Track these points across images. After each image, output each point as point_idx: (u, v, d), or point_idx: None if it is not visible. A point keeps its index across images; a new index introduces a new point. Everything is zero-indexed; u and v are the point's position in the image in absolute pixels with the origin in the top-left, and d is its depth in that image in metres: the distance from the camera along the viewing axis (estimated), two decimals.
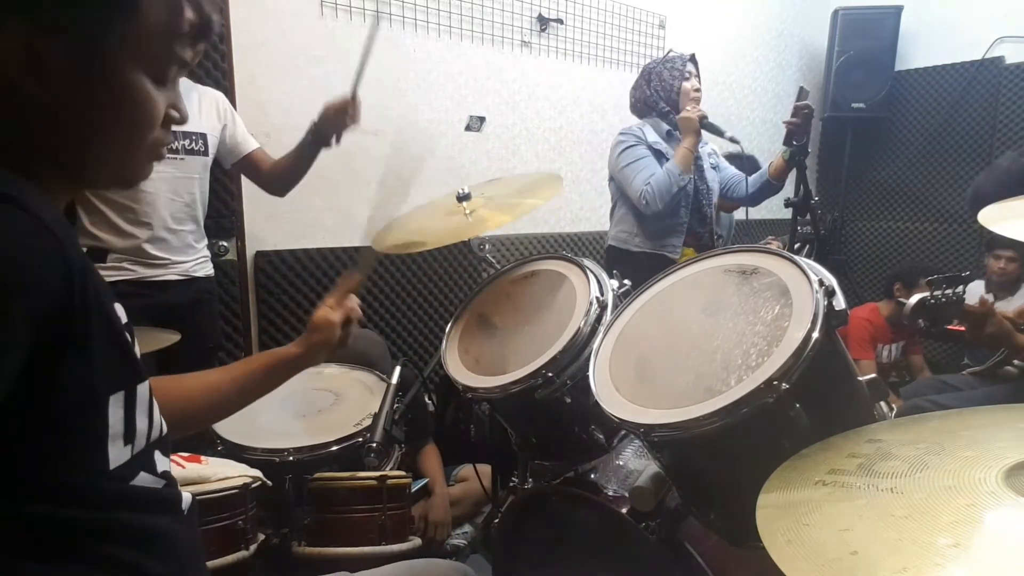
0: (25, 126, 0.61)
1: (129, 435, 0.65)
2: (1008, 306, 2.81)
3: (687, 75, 2.33)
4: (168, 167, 1.77)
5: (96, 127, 0.63)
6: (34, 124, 0.61)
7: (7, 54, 0.56)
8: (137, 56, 0.61)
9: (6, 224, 0.52)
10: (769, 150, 2.35)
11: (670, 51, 2.47)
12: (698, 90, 2.33)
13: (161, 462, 0.71)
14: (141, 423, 0.66)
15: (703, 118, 2.27)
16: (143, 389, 0.67)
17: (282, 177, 2.00)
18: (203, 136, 1.84)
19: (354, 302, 1.14)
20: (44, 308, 0.53)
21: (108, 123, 0.63)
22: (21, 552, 0.57)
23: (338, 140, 1.85)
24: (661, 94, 2.34)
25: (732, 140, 2.26)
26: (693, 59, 2.39)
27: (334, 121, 1.81)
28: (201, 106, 1.86)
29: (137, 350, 0.68)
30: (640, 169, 2.28)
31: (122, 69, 0.61)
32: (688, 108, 2.30)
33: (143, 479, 0.67)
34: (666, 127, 2.37)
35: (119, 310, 0.66)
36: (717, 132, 2.31)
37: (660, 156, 2.31)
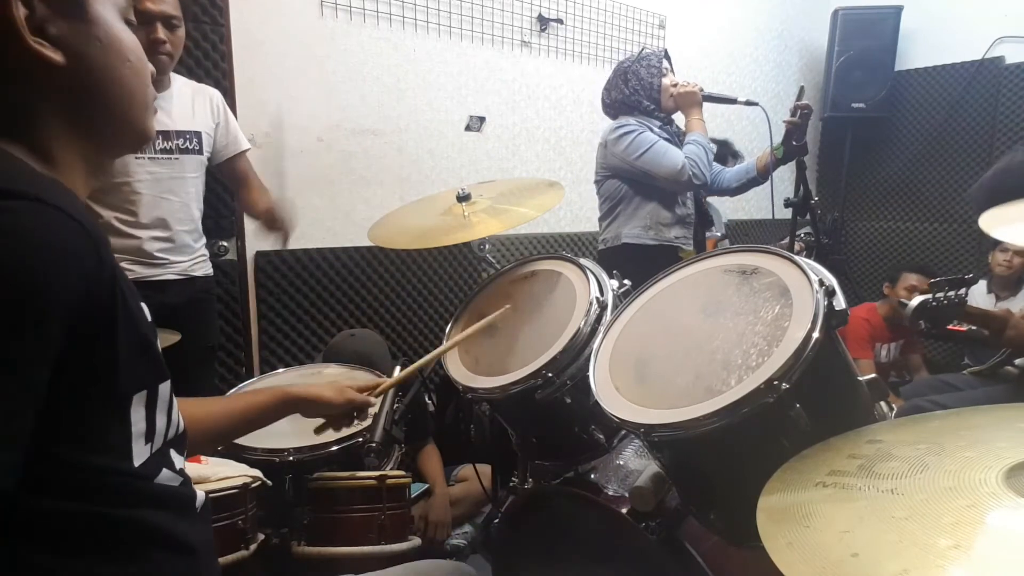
0: (42, 100, 0.62)
1: (150, 434, 0.65)
2: (1009, 306, 2.81)
3: (664, 71, 2.30)
4: (162, 167, 1.77)
5: (111, 75, 0.65)
6: (52, 94, 0.62)
7: (11, 25, 0.57)
8: None
9: (40, 220, 0.53)
10: (765, 148, 2.35)
11: (643, 48, 2.40)
12: (675, 85, 2.30)
13: (178, 460, 0.72)
14: (160, 422, 0.67)
15: (702, 90, 2.26)
16: (164, 388, 0.68)
17: (245, 211, 2.08)
18: (198, 135, 1.84)
19: (371, 402, 1.19)
20: (78, 307, 0.54)
21: (119, 70, 0.66)
22: (46, 547, 0.58)
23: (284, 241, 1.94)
24: (642, 92, 2.29)
25: (748, 103, 2.24)
26: (667, 55, 2.35)
27: (272, 224, 1.90)
28: (195, 104, 1.86)
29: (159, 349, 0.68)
30: (665, 149, 2.20)
31: (105, 12, 0.64)
32: (683, 83, 2.29)
33: (165, 476, 0.68)
34: (657, 122, 2.30)
35: (144, 309, 0.66)
36: (727, 101, 2.30)
37: (669, 143, 2.25)
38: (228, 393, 1.77)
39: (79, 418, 0.58)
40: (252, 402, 1.06)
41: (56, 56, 0.60)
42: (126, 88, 0.66)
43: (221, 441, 1.05)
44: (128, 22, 0.68)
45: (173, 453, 0.71)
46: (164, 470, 0.68)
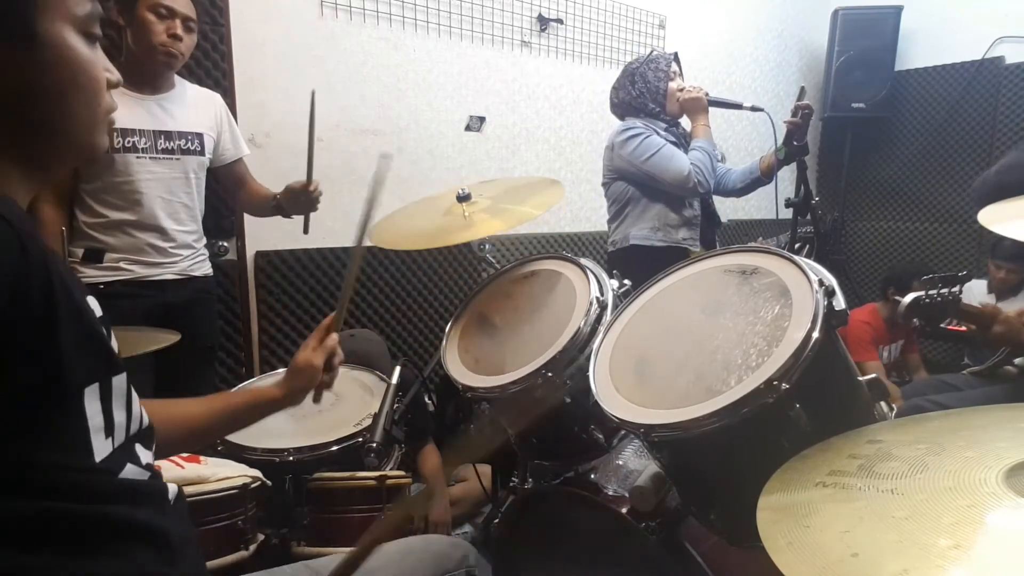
0: None
1: (109, 428, 0.65)
2: (1010, 307, 2.80)
3: (672, 75, 2.31)
4: (163, 167, 1.77)
5: (54, 102, 0.63)
6: None
7: None
8: (64, 14, 0.62)
9: None
10: (768, 150, 2.36)
11: (652, 50, 2.42)
12: (682, 89, 2.31)
13: (144, 455, 0.72)
14: (118, 415, 0.67)
15: (707, 95, 2.28)
16: (119, 381, 0.67)
17: (248, 208, 2.10)
18: (199, 136, 1.84)
19: (334, 340, 1.12)
20: (4, 300, 0.53)
21: (64, 94, 0.63)
22: (16, 545, 0.58)
23: (305, 226, 1.90)
24: (648, 95, 2.30)
25: (754, 109, 2.26)
26: (676, 58, 2.36)
27: (294, 202, 1.88)
28: (198, 106, 1.86)
29: (114, 344, 0.68)
30: (671, 154, 2.21)
31: (57, 33, 0.61)
32: (689, 88, 2.30)
33: (130, 471, 0.67)
34: (662, 124, 2.32)
35: (92, 303, 0.66)
36: (733, 106, 2.32)
37: (676, 147, 2.27)
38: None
39: (30, 414, 0.57)
40: (228, 404, 1.03)
41: None
42: (70, 110, 0.64)
43: (201, 442, 1.03)
44: (90, 38, 0.65)
45: (139, 448, 0.71)
46: (129, 465, 0.67)
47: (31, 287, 0.55)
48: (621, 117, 2.41)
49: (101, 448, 0.64)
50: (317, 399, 1.14)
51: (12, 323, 0.54)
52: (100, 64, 0.66)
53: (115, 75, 0.69)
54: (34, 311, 0.56)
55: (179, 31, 1.70)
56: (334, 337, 1.12)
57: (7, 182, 0.63)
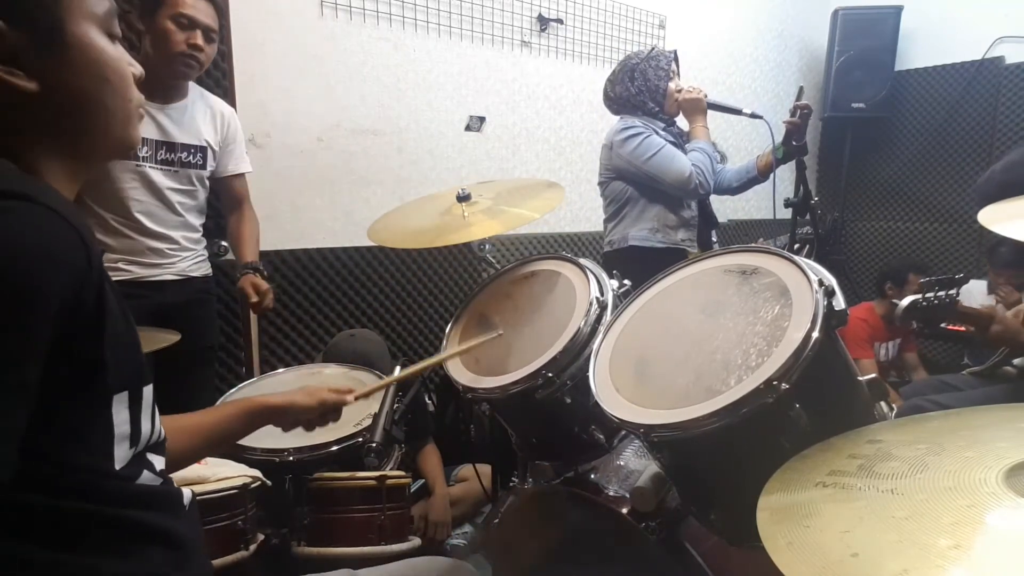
0: (19, 122, 0.62)
1: (135, 437, 0.66)
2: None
3: (671, 75, 2.29)
4: (164, 176, 1.77)
5: (89, 100, 0.66)
6: (29, 117, 0.62)
7: None
8: (87, 14, 0.64)
9: (33, 220, 0.55)
10: (766, 148, 2.36)
11: (653, 48, 2.40)
12: (681, 90, 2.29)
13: (157, 461, 0.73)
14: (145, 425, 0.68)
15: (707, 97, 2.27)
16: (148, 392, 0.69)
17: (231, 239, 2.03)
18: (203, 149, 1.84)
19: (348, 401, 1.13)
20: (68, 306, 0.56)
21: (97, 92, 0.66)
22: (35, 540, 0.59)
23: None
24: (647, 94, 2.27)
25: (753, 116, 2.24)
26: (676, 57, 2.35)
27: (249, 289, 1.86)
28: (205, 119, 1.86)
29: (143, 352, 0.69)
30: (672, 155, 2.19)
31: (83, 32, 0.64)
32: (688, 88, 2.28)
33: (146, 478, 0.69)
34: (661, 124, 2.29)
35: (129, 313, 0.67)
36: (732, 111, 2.30)
37: (675, 146, 2.25)
38: (227, 393, 1.78)
39: (63, 412, 0.59)
40: (219, 418, 1.01)
41: (29, 84, 0.61)
42: (105, 107, 0.67)
43: (191, 460, 1.02)
44: (112, 36, 0.67)
45: (151, 456, 0.72)
46: (145, 472, 0.69)
47: (90, 292, 0.58)
48: (616, 112, 2.37)
49: (122, 456, 0.65)
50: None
51: (69, 321, 0.56)
52: (125, 59, 0.69)
53: (138, 68, 0.72)
54: (88, 314, 0.58)
55: (200, 41, 1.68)
56: (351, 400, 1.13)
57: (55, 180, 0.65)
